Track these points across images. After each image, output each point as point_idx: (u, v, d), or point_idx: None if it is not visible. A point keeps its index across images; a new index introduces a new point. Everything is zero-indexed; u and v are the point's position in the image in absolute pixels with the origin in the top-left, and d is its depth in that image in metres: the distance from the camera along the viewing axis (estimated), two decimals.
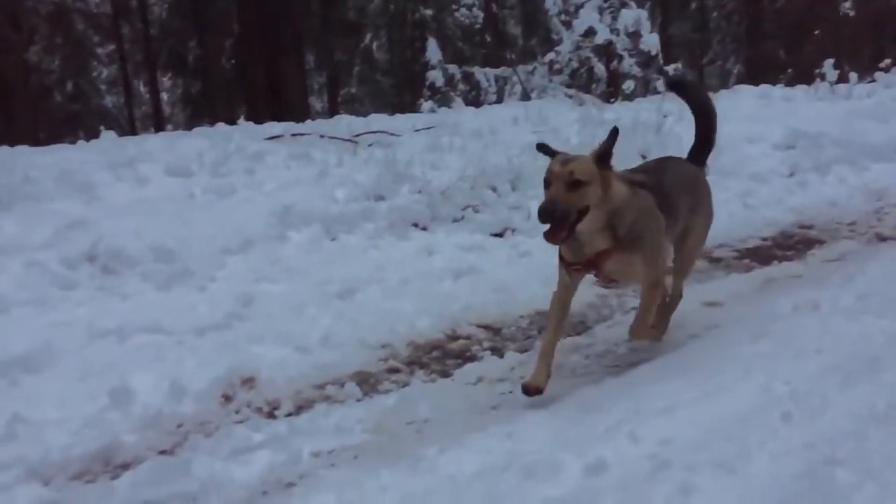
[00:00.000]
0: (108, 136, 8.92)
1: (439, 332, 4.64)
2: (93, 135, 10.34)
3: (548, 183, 3.34)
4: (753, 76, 19.60)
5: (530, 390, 3.52)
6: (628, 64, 14.03)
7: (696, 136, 4.31)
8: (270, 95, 21.50)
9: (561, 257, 3.61)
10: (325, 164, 7.21)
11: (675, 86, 4.65)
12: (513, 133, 8.64)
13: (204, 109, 24.77)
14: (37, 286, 4.81)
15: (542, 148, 3.58)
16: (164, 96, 29.61)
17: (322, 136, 8.51)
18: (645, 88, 14.71)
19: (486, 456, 2.98)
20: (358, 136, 8.59)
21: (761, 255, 5.82)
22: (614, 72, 14.49)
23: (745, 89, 11.55)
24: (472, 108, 11.93)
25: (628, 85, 13.45)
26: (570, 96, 13.35)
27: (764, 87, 11.49)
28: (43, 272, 4.92)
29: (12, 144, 8.59)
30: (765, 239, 6.22)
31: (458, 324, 4.75)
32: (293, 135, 8.63)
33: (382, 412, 3.65)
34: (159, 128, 23.58)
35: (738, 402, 2.93)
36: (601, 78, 14.59)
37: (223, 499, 3.00)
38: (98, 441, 3.40)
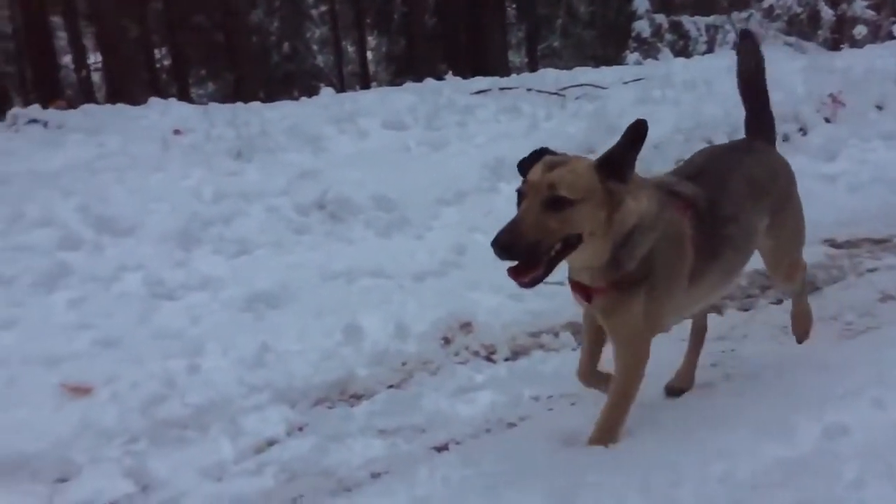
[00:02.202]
0: (326, 93, 9.45)
1: None
2: (306, 92, 11.02)
3: (521, 197, 2.40)
4: None
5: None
6: (860, 7, 12.79)
7: (753, 105, 3.21)
8: (472, 51, 21.88)
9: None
10: (534, 118, 7.24)
11: (746, 37, 3.44)
12: (729, 84, 8.11)
13: (407, 67, 25.51)
14: (275, 230, 5.25)
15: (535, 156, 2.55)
16: (370, 55, 30.80)
17: (529, 90, 8.53)
18: (874, 35, 13.36)
19: (710, 411, 2.92)
20: (564, 89, 8.53)
21: None
22: (842, 16, 13.30)
23: None
24: (681, 59, 11.42)
25: (859, 30, 12.29)
26: (790, 44, 12.42)
27: None
28: (280, 217, 5.37)
29: (240, 101, 9.37)
30: None
31: None
32: (500, 89, 8.72)
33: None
34: (365, 85, 24.67)
35: None
36: (826, 23, 13.43)
37: (449, 432, 3.17)
38: (335, 373, 3.70)
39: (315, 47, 31.06)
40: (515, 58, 28.75)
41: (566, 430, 2.93)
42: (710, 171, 2.88)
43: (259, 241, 5.11)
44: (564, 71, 10.55)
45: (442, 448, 3.04)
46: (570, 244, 2.39)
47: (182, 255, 4.89)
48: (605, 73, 9.88)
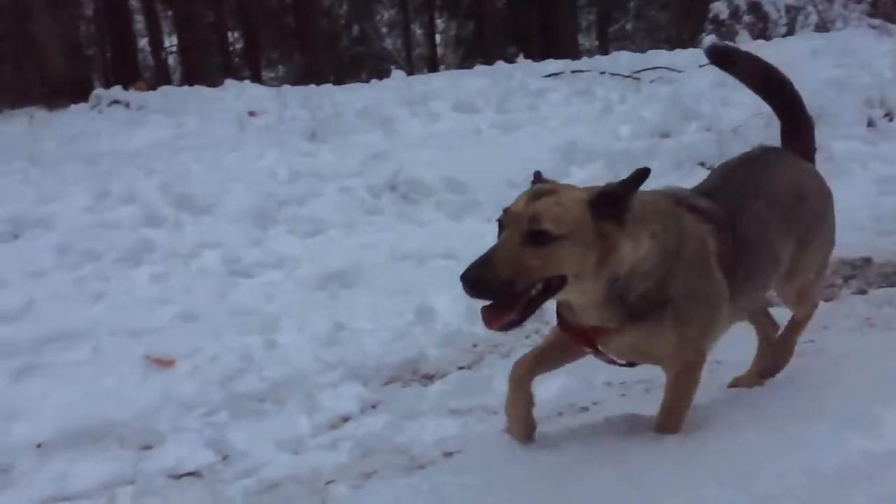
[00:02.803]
0: (397, 75, 9.52)
1: None
2: (374, 75, 11.11)
3: (502, 228, 2.15)
4: None
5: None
6: None
7: (781, 114, 2.90)
8: (542, 34, 21.70)
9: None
10: (608, 101, 7.16)
11: (715, 55, 2.98)
12: (811, 67, 7.91)
13: (475, 50, 25.44)
14: (348, 211, 5.33)
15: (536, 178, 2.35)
16: (438, 38, 30.81)
17: (602, 73, 8.42)
18: None
19: (791, 401, 2.85)
20: (639, 72, 8.39)
21: None
22: None
23: None
24: (760, 42, 11.09)
25: None
26: (875, 27, 11.92)
27: None
28: (352, 198, 5.45)
29: (308, 84, 9.50)
30: None
31: None
32: (573, 72, 8.63)
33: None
34: (433, 68, 24.70)
35: None
36: None
37: None
38: (407, 352, 3.74)
39: (384, 30, 31.21)
40: (585, 41, 28.36)
41: (640, 416, 2.91)
42: (735, 185, 2.57)
43: (332, 221, 5.19)
44: (638, 54, 10.38)
45: None
46: (552, 286, 2.10)
47: (258, 234, 5.01)
48: (681, 56, 9.69)
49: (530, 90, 7.69)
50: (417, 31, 31.23)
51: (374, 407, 3.35)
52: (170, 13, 23.19)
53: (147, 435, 3.12)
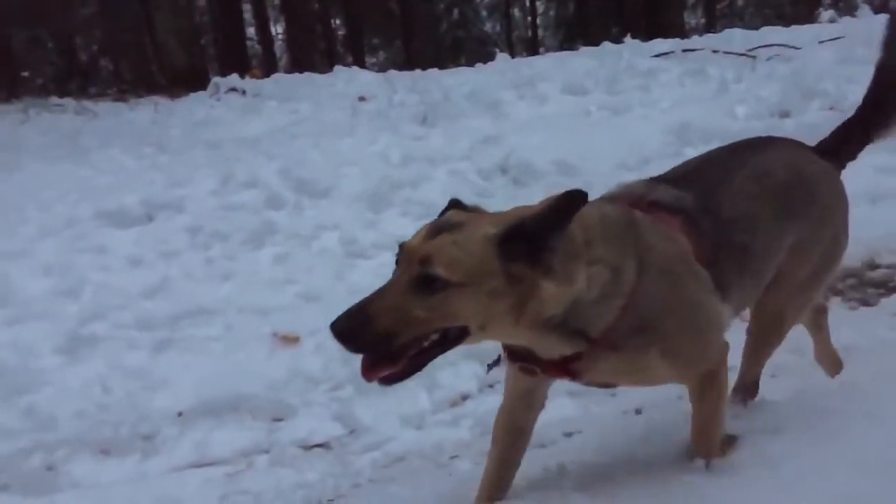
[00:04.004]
0: (502, 58, 9.51)
1: (856, 260, 4.30)
2: (475, 59, 11.14)
3: (398, 265, 1.75)
4: None
5: None
6: None
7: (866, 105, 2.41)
8: (646, 12, 21.17)
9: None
10: (722, 80, 6.95)
11: None
12: None
13: (576, 32, 25.08)
14: (459, 194, 5.32)
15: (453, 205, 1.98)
16: (538, 20, 30.52)
17: (715, 52, 8.18)
18: None
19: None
20: (753, 49, 8.10)
21: None
22: None
23: None
24: (882, 16, 10.51)
25: None
26: None
27: None
28: (463, 181, 5.50)
29: (411, 69, 9.62)
30: None
31: (876, 252, 4.36)
32: (683, 51, 8.42)
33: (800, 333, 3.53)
34: (534, 51, 24.51)
35: None
36: None
37: (639, 399, 3.15)
38: None
39: (483, 13, 31.14)
40: (691, 18, 27.50)
41: (761, 403, 2.85)
42: (700, 171, 2.19)
43: (444, 203, 5.24)
44: (751, 31, 10.02)
45: (636, 411, 3.03)
46: (450, 338, 1.71)
47: (372, 217, 5.13)
48: (798, 33, 9.30)
49: (639, 71, 7.56)
50: (517, 13, 31.02)
51: (491, 387, 3.40)
52: (276, 2, 23.85)
53: (278, 407, 3.28)
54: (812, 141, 2.45)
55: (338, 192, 5.34)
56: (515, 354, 1.92)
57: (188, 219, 4.95)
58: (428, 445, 2.96)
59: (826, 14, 12.49)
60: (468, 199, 5.47)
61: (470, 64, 10.53)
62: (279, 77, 9.24)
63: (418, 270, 1.65)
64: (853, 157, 2.35)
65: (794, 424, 2.37)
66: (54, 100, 11.49)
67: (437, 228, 1.73)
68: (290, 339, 3.78)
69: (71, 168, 6.35)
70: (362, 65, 20.84)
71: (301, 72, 10.18)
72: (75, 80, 17.97)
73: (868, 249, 4.39)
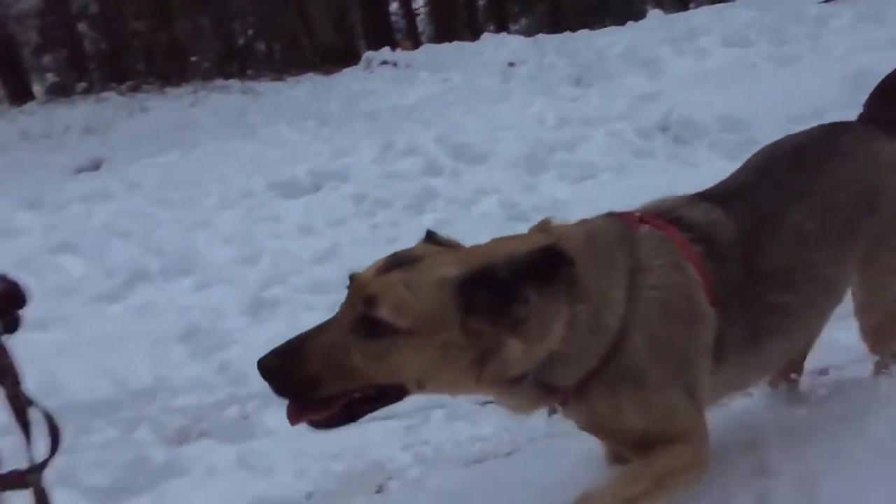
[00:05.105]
0: (654, 14, 9.19)
1: None
2: (620, 20, 10.81)
3: (346, 299, 1.55)
4: None
5: None
6: None
7: None
8: None
9: None
10: None
11: None
12: None
13: None
14: (617, 154, 5.29)
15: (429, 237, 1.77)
16: None
17: None
18: None
19: None
20: None
21: None
22: None
23: None
24: None
25: None
26: None
27: None
28: (621, 141, 5.39)
29: (558, 32, 9.47)
30: None
31: None
32: None
33: None
34: (683, 7, 23.46)
35: None
36: None
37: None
38: None
39: None
40: None
41: None
42: (755, 188, 1.83)
43: (602, 164, 5.18)
44: None
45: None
46: (387, 395, 1.51)
47: (530, 180, 5.13)
48: None
49: (807, 18, 7.09)
50: None
51: None
52: None
53: None
54: None
55: (494, 157, 5.38)
56: None
57: (352, 187, 5.15)
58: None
59: None
60: (626, 158, 5.35)
61: (619, 24, 10.26)
62: (428, 48, 9.38)
63: (361, 310, 1.45)
64: None
65: None
66: (219, 82, 12.24)
67: (393, 263, 1.53)
68: None
69: (242, 144, 6.75)
70: (507, 31, 20.77)
71: (449, 41, 10.29)
72: (236, 62, 19.02)
73: None
